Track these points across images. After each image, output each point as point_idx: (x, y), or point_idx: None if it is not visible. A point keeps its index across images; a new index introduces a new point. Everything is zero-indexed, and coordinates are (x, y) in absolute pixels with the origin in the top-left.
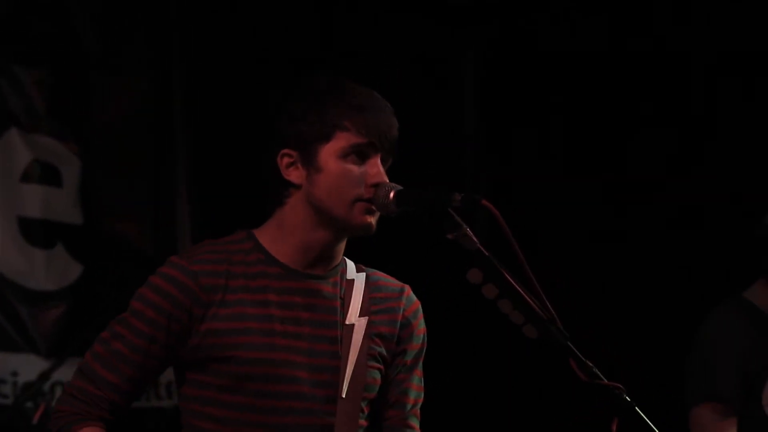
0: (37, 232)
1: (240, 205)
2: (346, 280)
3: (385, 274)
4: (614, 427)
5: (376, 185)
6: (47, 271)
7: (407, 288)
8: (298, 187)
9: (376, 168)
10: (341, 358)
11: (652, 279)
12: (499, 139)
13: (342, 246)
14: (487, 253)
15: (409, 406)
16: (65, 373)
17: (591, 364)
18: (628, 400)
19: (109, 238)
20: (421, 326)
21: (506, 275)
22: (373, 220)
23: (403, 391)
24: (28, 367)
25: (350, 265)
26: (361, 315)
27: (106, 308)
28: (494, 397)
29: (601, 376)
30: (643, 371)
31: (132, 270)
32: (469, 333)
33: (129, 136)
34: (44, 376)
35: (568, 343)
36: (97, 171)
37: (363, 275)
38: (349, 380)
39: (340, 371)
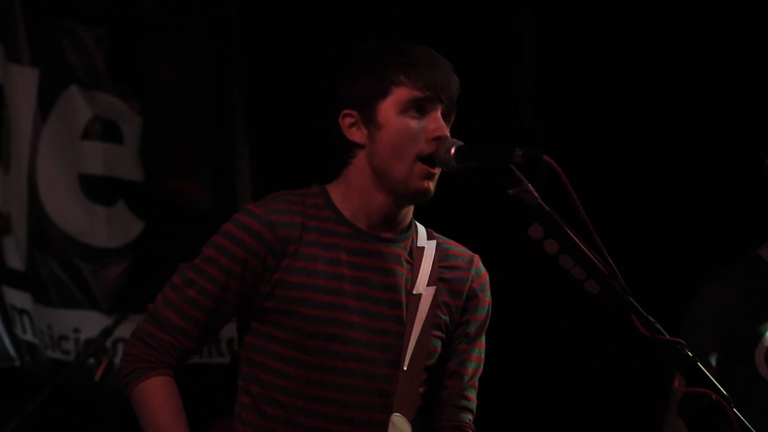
0: (99, 189)
1: (298, 162)
2: (416, 247)
3: (456, 243)
4: (677, 383)
5: (437, 139)
6: (109, 228)
7: (477, 258)
8: (361, 146)
9: (436, 122)
10: (405, 326)
11: (716, 239)
12: (557, 100)
13: (408, 211)
14: (548, 208)
15: (467, 377)
16: (127, 329)
17: (653, 320)
18: (690, 355)
19: (170, 196)
20: (486, 298)
21: (567, 230)
22: (431, 185)
23: (462, 361)
24: (90, 323)
25: (422, 231)
26: (429, 284)
27: (167, 265)
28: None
29: (664, 332)
30: None
31: (192, 227)
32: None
33: (188, 95)
34: (106, 332)
35: (630, 299)
36: (157, 129)
37: (434, 243)
38: (412, 350)
39: (403, 338)
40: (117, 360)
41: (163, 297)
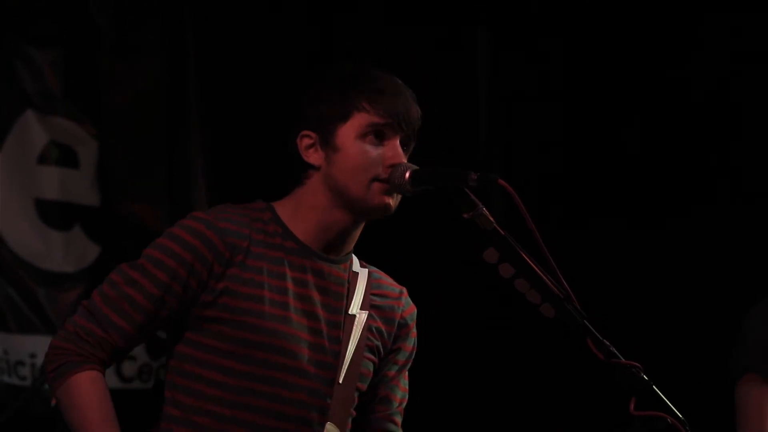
0: (55, 214)
1: (255, 186)
2: (352, 271)
3: (384, 274)
4: (632, 407)
5: (393, 166)
6: (65, 252)
7: (405, 290)
8: (317, 168)
9: (394, 149)
10: (341, 345)
11: (670, 258)
12: (515, 115)
13: (358, 232)
14: (503, 232)
15: (395, 404)
16: None
17: (608, 343)
18: (646, 379)
19: (126, 220)
20: (415, 330)
21: (522, 254)
22: (391, 201)
23: (391, 388)
24: (46, 348)
25: (354, 259)
26: (362, 308)
27: None
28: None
29: (619, 355)
30: (661, 351)
31: None
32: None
33: (144, 118)
34: None
35: (585, 321)
36: (113, 152)
37: (366, 271)
38: (347, 367)
39: (339, 357)
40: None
41: (101, 293)
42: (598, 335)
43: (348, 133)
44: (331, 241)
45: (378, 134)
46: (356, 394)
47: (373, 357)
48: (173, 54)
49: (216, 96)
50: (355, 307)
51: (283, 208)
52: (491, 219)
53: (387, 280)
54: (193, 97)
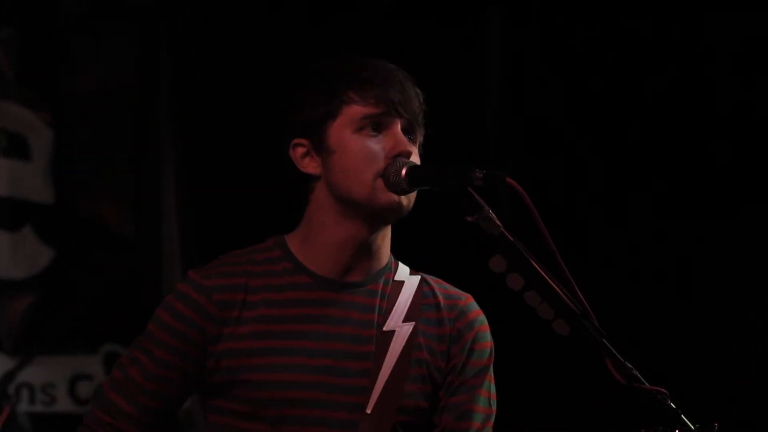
0: (2, 212)
1: (231, 183)
2: (393, 281)
3: (444, 282)
4: None
5: (399, 155)
6: (13, 256)
7: (466, 297)
8: (317, 178)
9: (395, 137)
10: (371, 375)
11: (700, 268)
12: (527, 112)
13: (384, 242)
14: (511, 238)
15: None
16: (33, 373)
17: (630, 366)
18: (673, 407)
19: (84, 220)
20: (480, 339)
21: (534, 263)
22: (402, 198)
23: (462, 414)
24: None
25: (402, 268)
26: (406, 320)
27: (80, 300)
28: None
29: (642, 380)
30: (690, 374)
31: (110, 256)
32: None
33: (110, 107)
34: (9, 376)
35: (604, 340)
36: (71, 144)
37: (417, 278)
38: (378, 394)
39: (371, 376)
40: (20, 407)
41: (111, 377)
42: (618, 356)
43: (340, 130)
44: (352, 259)
45: (375, 126)
46: (399, 426)
47: (422, 385)
48: (146, 38)
49: (191, 86)
50: (394, 320)
51: (295, 239)
52: (498, 223)
53: (445, 287)
54: (166, 86)
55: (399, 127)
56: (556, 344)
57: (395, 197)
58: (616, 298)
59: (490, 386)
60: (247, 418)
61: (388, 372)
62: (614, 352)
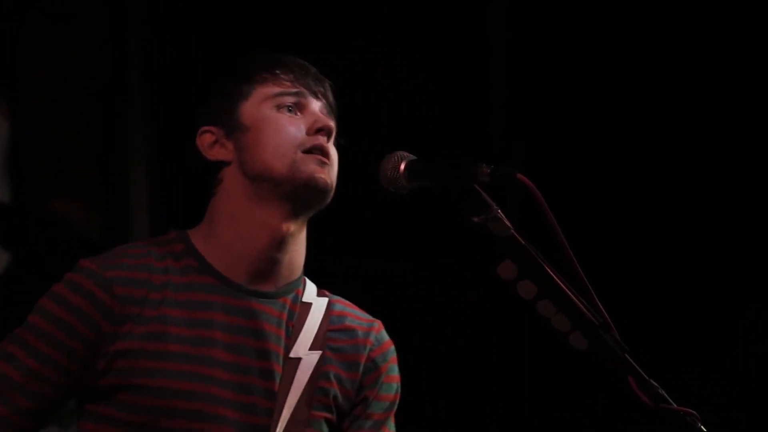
0: None
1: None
2: (301, 302)
3: (352, 305)
4: None
5: (320, 131)
6: None
7: (378, 324)
8: (227, 164)
9: (315, 115)
10: (276, 399)
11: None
12: (536, 101)
13: (297, 246)
14: (523, 241)
15: None
16: None
17: (656, 384)
18: (704, 430)
19: (45, 221)
20: (392, 372)
21: (548, 269)
22: (324, 173)
23: None
24: None
25: (310, 287)
26: (313, 348)
27: None
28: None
29: (670, 400)
30: (719, 392)
31: (73, 260)
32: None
33: (74, 96)
34: None
35: (627, 356)
36: (31, 136)
37: (324, 301)
38: (285, 422)
39: (273, 415)
40: None
41: None
42: (643, 373)
43: (255, 108)
44: (263, 267)
45: (292, 106)
46: None
47: (327, 414)
48: (113, 18)
49: (163, 73)
50: (300, 349)
51: (197, 236)
52: (508, 224)
53: (353, 311)
54: (135, 72)
55: (318, 107)
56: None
57: (319, 169)
58: (634, 305)
59: (392, 426)
60: (136, 429)
61: (295, 400)
62: (638, 368)
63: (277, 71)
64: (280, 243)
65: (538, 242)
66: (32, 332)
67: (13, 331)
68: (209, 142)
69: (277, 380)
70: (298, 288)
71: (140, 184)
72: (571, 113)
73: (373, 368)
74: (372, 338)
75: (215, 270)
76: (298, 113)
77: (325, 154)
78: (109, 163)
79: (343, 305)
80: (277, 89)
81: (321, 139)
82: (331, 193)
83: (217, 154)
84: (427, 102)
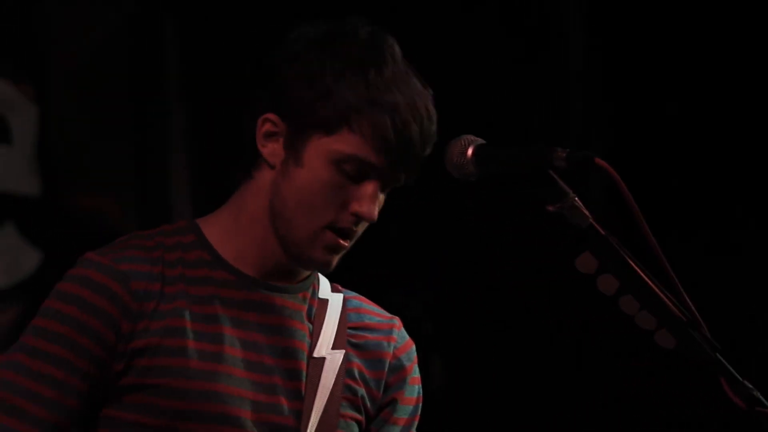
0: None
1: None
2: (318, 298)
3: (367, 300)
4: None
5: (355, 215)
6: None
7: (397, 320)
8: (270, 167)
9: (367, 199)
10: (304, 400)
11: None
12: (619, 81)
13: None
14: (603, 232)
15: None
16: None
17: (750, 386)
18: None
19: (77, 216)
20: (415, 374)
21: (631, 262)
22: (334, 259)
23: None
24: None
25: (323, 281)
26: (335, 347)
27: None
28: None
29: (766, 403)
30: None
31: None
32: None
33: (103, 80)
34: None
35: (719, 355)
36: (61, 124)
37: (340, 297)
38: (314, 429)
39: (302, 417)
40: None
41: None
42: (736, 374)
43: (324, 151)
44: (279, 267)
45: (360, 170)
46: None
47: (356, 415)
48: None
49: (203, 52)
50: (323, 348)
51: (213, 227)
52: (587, 213)
53: (370, 308)
54: (174, 51)
55: (379, 188)
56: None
57: (328, 258)
58: (723, 299)
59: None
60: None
61: (323, 401)
62: (731, 369)
63: (380, 126)
64: (292, 268)
65: (620, 233)
66: (44, 338)
67: (20, 341)
68: (267, 132)
69: (303, 380)
70: (314, 282)
71: (180, 176)
72: (657, 99)
73: (399, 367)
74: (395, 335)
75: (229, 264)
76: (358, 183)
77: (349, 237)
78: (146, 151)
79: (359, 301)
80: (356, 149)
81: (353, 226)
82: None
83: (268, 151)
84: (499, 91)
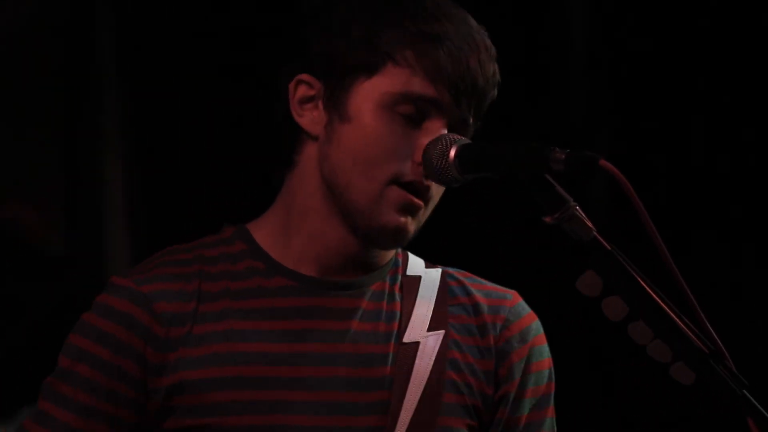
0: None
1: (202, 179)
2: (406, 277)
3: (473, 275)
4: None
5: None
6: None
7: (512, 294)
8: (313, 138)
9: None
10: (391, 406)
11: None
12: (629, 73)
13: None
14: (609, 246)
15: None
16: None
17: None
18: None
19: None
20: (537, 356)
21: (642, 282)
22: (409, 222)
23: None
24: None
25: (414, 260)
26: (432, 328)
27: None
28: None
29: None
30: None
31: (32, 285)
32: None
33: (25, 72)
34: None
35: (746, 392)
36: None
37: (438, 272)
38: (406, 429)
39: (390, 411)
40: None
41: None
42: (765, 413)
43: (370, 95)
44: (344, 260)
45: (419, 111)
46: None
47: (467, 419)
48: None
49: (143, 46)
50: (416, 331)
51: (263, 230)
52: (589, 224)
53: (480, 282)
54: (108, 45)
55: (446, 125)
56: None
57: (402, 220)
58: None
59: (552, 425)
60: None
61: (415, 402)
62: (759, 408)
63: (428, 50)
64: (364, 255)
65: (629, 247)
66: (66, 381)
67: (45, 382)
68: (303, 97)
69: (388, 387)
70: (394, 268)
71: (114, 188)
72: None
73: (508, 353)
74: (504, 312)
75: (287, 269)
76: (420, 125)
77: (421, 194)
78: (73, 161)
79: (464, 275)
80: (410, 85)
81: (423, 179)
82: (415, 233)
83: (304, 117)
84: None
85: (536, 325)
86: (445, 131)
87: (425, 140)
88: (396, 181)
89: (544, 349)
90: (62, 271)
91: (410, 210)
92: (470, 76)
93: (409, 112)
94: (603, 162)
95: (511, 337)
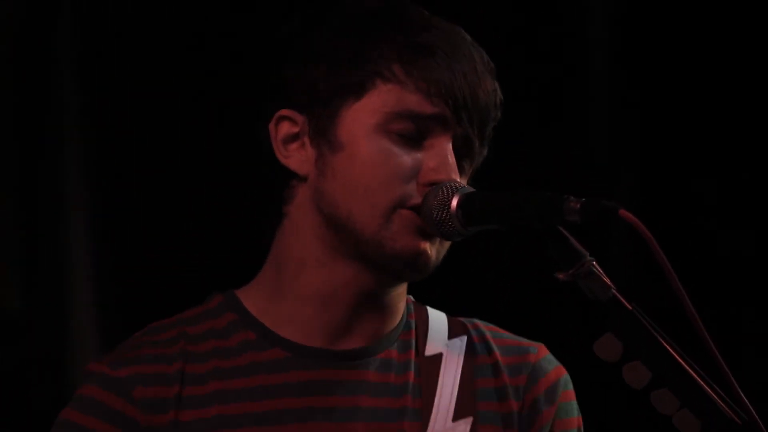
0: None
1: (180, 236)
2: (425, 357)
3: (500, 330)
4: None
5: (434, 185)
6: None
7: (539, 349)
8: (302, 180)
9: (440, 157)
10: None
11: None
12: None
13: (397, 292)
14: (630, 306)
15: None
16: None
17: None
18: None
19: None
20: (564, 414)
21: (667, 346)
22: (428, 245)
23: None
24: None
25: (437, 329)
26: (458, 417)
27: None
28: None
29: None
30: None
31: None
32: None
33: None
34: None
35: None
36: None
37: (462, 342)
38: None
39: None
40: None
41: None
42: None
43: (361, 118)
44: (351, 320)
45: (419, 129)
46: None
47: None
48: None
49: (108, 69)
50: (439, 424)
51: (253, 295)
52: (608, 282)
53: (501, 336)
54: (69, 63)
55: (451, 142)
56: None
57: (420, 242)
58: None
59: None
60: None
61: None
62: None
63: (417, 63)
64: (373, 298)
65: (652, 307)
66: None
67: None
68: (287, 135)
69: None
70: (408, 330)
71: (77, 234)
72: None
73: (535, 416)
74: (527, 372)
75: (283, 338)
76: (420, 144)
77: None
78: (32, 203)
79: (489, 329)
80: (401, 102)
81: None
82: (439, 261)
83: (291, 158)
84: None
85: (564, 380)
86: (450, 146)
87: (429, 159)
88: (402, 205)
89: (573, 405)
90: (16, 327)
91: (425, 233)
92: (468, 88)
93: (407, 130)
94: (623, 212)
95: (535, 399)
